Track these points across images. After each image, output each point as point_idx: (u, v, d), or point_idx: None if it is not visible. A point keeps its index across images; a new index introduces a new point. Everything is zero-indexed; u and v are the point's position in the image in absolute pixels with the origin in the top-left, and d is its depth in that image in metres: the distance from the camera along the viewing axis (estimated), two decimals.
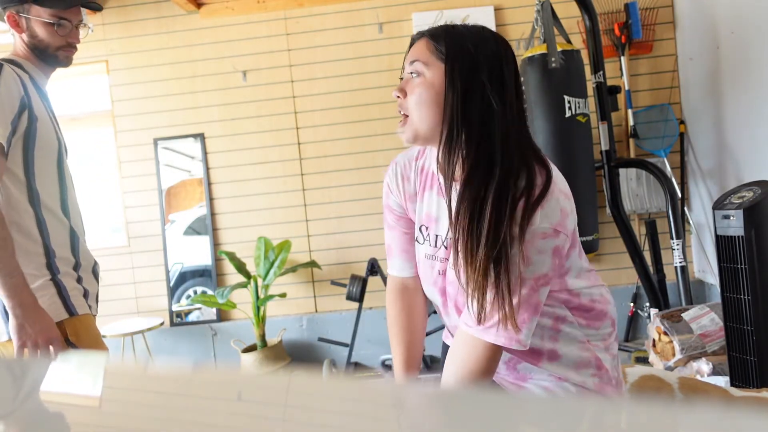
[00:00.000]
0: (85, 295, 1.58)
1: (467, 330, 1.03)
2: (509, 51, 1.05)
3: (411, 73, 1.05)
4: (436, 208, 1.14)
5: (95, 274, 1.68)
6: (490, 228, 0.96)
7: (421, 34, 1.07)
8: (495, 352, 1.02)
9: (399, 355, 1.27)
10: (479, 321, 0.99)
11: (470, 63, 1.00)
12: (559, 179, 1.03)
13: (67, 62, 1.61)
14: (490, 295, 0.97)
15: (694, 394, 1.50)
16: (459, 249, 1.00)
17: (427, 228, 1.16)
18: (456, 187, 1.04)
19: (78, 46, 1.62)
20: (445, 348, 1.34)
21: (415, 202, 1.20)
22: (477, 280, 0.97)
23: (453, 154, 1.01)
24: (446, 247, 1.13)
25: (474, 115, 1.00)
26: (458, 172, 1.03)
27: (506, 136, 1.00)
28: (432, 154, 1.15)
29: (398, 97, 1.07)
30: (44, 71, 1.61)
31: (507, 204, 0.97)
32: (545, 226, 0.98)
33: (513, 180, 0.98)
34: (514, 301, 0.96)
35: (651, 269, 3.18)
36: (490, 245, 0.96)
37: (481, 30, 1.05)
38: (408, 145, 1.13)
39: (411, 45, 1.09)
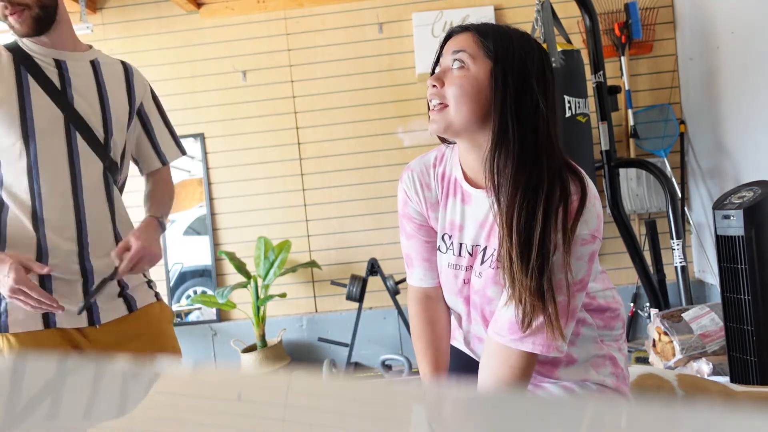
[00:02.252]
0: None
1: (499, 340, 1.01)
2: (549, 58, 1.06)
3: (455, 61, 1.01)
4: (460, 216, 1.12)
5: (85, 289, 1.40)
6: (540, 235, 0.95)
7: (465, 28, 1.05)
8: (531, 361, 1.01)
9: (426, 366, 1.23)
10: (523, 328, 0.97)
11: (521, 65, 1.00)
12: (590, 184, 1.03)
13: (20, 27, 1.33)
14: (535, 303, 0.96)
15: (694, 391, 1.50)
16: (512, 256, 0.97)
17: (450, 236, 1.13)
18: (499, 191, 1.01)
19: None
20: (453, 351, 1.33)
21: (437, 211, 1.16)
22: (529, 287, 0.95)
23: (501, 156, 0.99)
24: (471, 254, 1.11)
25: (525, 118, 0.99)
26: (497, 175, 1.00)
27: (551, 140, 1.00)
28: (454, 160, 1.13)
29: (434, 86, 1.03)
30: (42, 43, 1.39)
31: (552, 211, 0.97)
32: (585, 233, 0.98)
33: (557, 186, 0.98)
34: (557, 307, 0.96)
35: (651, 269, 3.18)
36: (539, 253, 0.95)
37: (524, 34, 1.05)
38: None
39: (449, 37, 1.06)
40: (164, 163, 1.72)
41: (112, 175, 1.50)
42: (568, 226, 0.96)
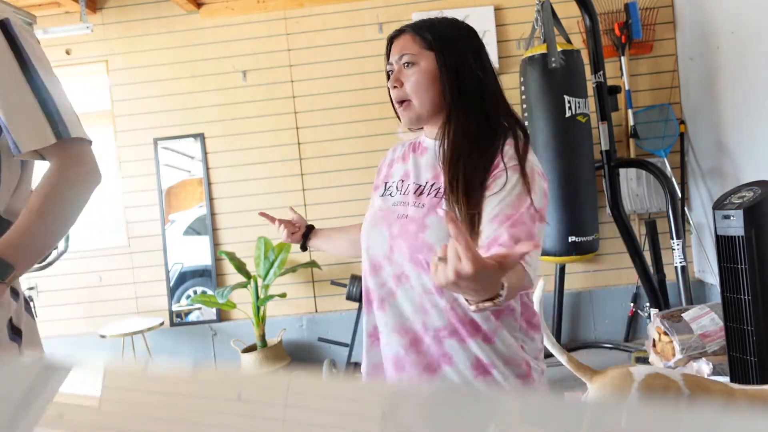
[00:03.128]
0: None
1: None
2: (477, 33, 1.20)
3: (405, 64, 1.15)
4: (413, 165, 1.23)
5: None
6: (481, 174, 1.07)
7: (401, 31, 1.18)
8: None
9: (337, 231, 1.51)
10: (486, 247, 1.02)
11: (455, 46, 1.14)
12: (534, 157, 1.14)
13: None
14: (478, 230, 1.04)
15: (700, 391, 1.50)
16: (458, 197, 1.07)
17: (403, 181, 1.23)
18: (444, 142, 1.15)
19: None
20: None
21: (392, 166, 1.30)
22: (471, 218, 1.04)
23: (453, 124, 1.13)
24: (416, 192, 1.17)
25: (468, 91, 1.13)
26: (447, 137, 1.15)
27: (496, 101, 1.16)
28: (421, 133, 1.28)
29: (395, 87, 1.16)
30: None
31: (492, 154, 1.09)
32: (539, 167, 1.10)
33: (501, 132, 1.13)
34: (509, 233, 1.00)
35: (651, 269, 3.18)
36: (479, 190, 1.06)
37: (452, 19, 1.21)
38: (406, 130, 1.24)
39: (391, 42, 1.20)
40: (19, 150, 1.06)
41: None
42: (520, 152, 1.08)
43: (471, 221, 1.04)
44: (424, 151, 1.22)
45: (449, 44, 1.14)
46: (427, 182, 1.16)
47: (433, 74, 1.13)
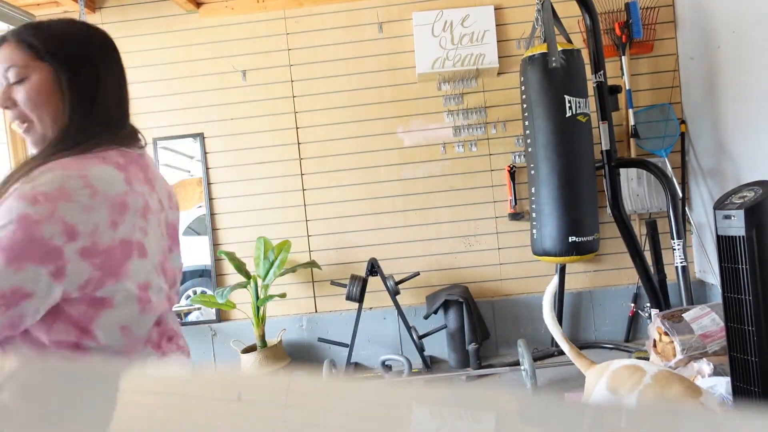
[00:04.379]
0: None
1: None
2: (101, 34, 1.06)
3: (12, 82, 0.97)
4: None
5: None
6: None
7: (2, 39, 1.00)
8: None
9: None
10: None
11: (71, 51, 1.00)
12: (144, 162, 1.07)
13: None
14: None
15: (660, 386, 1.62)
16: None
17: None
18: None
19: None
20: None
21: None
22: None
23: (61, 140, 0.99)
24: None
25: (85, 104, 1.01)
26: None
27: (124, 106, 1.09)
28: None
29: (7, 108, 0.99)
30: None
31: None
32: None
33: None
34: None
35: (652, 269, 3.18)
36: None
37: (69, 20, 1.04)
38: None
39: None
40: None
41: None
42: None
43: None
44: None
45: (65, 50, 0.99)
46: None
47: (47, 89, 0.97)
